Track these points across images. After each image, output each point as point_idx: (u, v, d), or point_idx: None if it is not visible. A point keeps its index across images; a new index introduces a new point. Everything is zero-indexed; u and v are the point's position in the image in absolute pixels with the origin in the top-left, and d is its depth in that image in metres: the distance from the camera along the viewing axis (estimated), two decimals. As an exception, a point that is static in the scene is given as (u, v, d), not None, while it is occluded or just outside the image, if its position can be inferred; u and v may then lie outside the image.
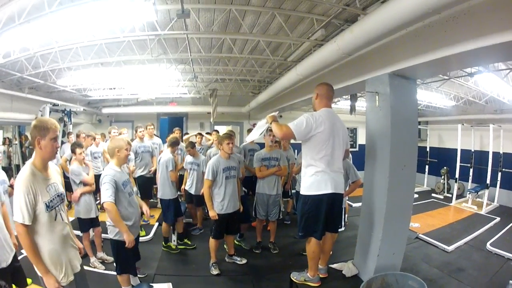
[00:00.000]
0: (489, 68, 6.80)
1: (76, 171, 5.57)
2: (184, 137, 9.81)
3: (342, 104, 12.59)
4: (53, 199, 2.95)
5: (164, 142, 8.93)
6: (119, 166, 4.47)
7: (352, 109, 7.15)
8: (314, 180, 4.06)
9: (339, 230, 5.12)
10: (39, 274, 2.88)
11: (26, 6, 4.35)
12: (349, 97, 7.60)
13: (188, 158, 7.52)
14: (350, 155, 6.54)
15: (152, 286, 4.94)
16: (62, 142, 8.69)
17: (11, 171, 9.84)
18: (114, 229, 4.34)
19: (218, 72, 9.49)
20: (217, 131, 9.62)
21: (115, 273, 4.90)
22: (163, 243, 6.76)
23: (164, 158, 6.57)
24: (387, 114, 4.55)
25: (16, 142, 10.39)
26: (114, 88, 11.12)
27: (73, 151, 5.78)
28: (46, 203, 2.85)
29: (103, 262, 5.83)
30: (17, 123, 10.00)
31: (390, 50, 4.45)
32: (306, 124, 3.96)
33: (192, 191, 7.40)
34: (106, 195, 4.11)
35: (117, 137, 6.74)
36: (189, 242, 6.99)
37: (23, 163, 9.56)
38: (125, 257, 4.52)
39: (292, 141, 9.10)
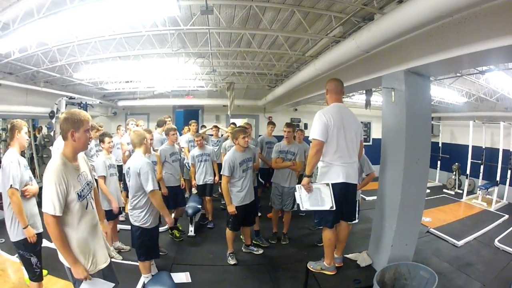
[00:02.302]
0: (499, 67, 6.88)
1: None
2: (201, 130, 9.89)
3: (356, 98, 12.68)
4: (84, 188, 2.99)
5: (180, 134, 8.97)
6: (145, 154, 4.69)
7: (367, 104, 7.24)
8: (326, 171, 4.28)
9: (354, 222, 5.23)
10: (66, 264, 2.90)
11: (46, 1, 4.40)
12: (365, 92, 7.69)
13: (195, 152, 7.64)
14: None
15: (170, 275, 5.07)
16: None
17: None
18: (139, 216, 4.55)
19: (235, 65, 9.55)
20: (234, 124, 9.69)
21: (132, 262, 5.05)
22: (169, 230, 6.97)
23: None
24: (403, 109, 4.63)
25: (30, 135, 10.44)
26: (131, 81, 11.19)
27: (101, 141, 5.91)
28: (78, 193, 2.88)
29: (119, 251, 5.98)
30: (32, 116, 10.06)
31: (405, 48, 4.52)
32: (323, 124, 4.13)
33: (208, 180, 7.57)
34: (153, 183, 4.46)
35: (138, 128, 6.85)
36: (180, 227, 7.18)
37: (37, 156, 9.71)
38: (150, 242, 4.70)
39: (306, 134, 9.19)
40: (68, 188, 2.79)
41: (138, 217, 4.58)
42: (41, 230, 4.01)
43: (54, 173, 2.75)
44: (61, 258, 2.90)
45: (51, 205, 2.68)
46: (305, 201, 4.40)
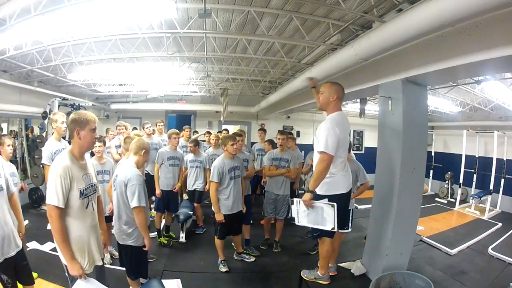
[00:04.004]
0: (495, 76, 6.91)
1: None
2: (193, 136, 9.84)
3: (349, 107, 12.62)
4: (87, 187, 3.07)
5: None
6: (138, 165, 4.29)
7: (362, 113, 7.22)
8: (332, 181, 4.07)
9: (347, 231, 5.21)
10: (63, 262, 2.93)
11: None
12: (359, 101, 7.67)
13: (189, 156, 7.62)
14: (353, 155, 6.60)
15: (161, 282, 4.99)
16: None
17: (16, 164, 9.84)
18: (130, 233, 4.18)
19: (230, 71, 9.49)
20: (226, 130, 9.66)
21: (122, 268, 4.96)
22: (157, 236, 6.89)
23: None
24: (399, 118, 4.63)
25: (23, 135, 10.37)
26: (124, 84, 11.11)
27: None
28: (80, 190, 2.96)
29: (111, 256, 5.90)
30: (25, 116, 9.95)
31: (404, 57, 4.53)
32: (336, 138, 3.89)
33: (198, 187, 7.51)
34: (141, 199, 4.01)
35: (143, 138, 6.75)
36: (173, 235, 7.19)
37: (29, 156, 9.63)
38: (143, 261, 4.48)
39: (298, 141, 9.14)
40: (72, 183, 2.90)
41: (128, 235, 4.18)
42: (19, 247, 3.57)
43: (61, 168, 2.87)
44: (60, 255, 2.94)
45: (55, 197, 2.79)
46: (302, 217, 4.16)
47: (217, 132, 10.60)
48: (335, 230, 3.99)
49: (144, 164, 4.64)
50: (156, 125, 9.13)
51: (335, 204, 3.91)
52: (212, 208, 5.69)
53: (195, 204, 7.69)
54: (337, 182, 4.10)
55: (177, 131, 7.15)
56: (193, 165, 7.53)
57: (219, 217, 5.57)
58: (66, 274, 2.99)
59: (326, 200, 3.99)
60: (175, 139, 6.91)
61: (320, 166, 3.89)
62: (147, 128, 8.30)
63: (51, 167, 3.00)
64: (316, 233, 4.33)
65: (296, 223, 4.27)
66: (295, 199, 4.23)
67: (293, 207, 4.25)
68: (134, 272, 4.45)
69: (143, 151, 4.27)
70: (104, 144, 5.87)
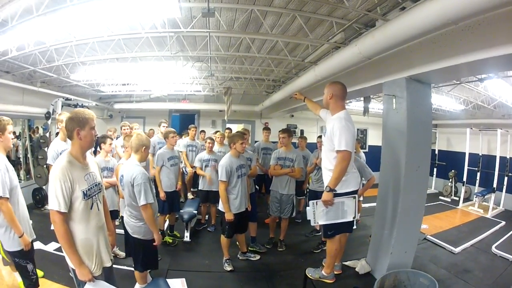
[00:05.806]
0: (498, 74, 6.90)
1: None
2: (200, 135, 9.81)
3: (353, 105, 12.50)
4: (91, 188, 2.97)
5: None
6: (140, 162, 4.39)
7: (366, 111, 7.21)
8: (346, 178, 4.03)
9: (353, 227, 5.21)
10: (70, 265, 2.88)
11: (45, -2, 4.33)
12: (363, 99, 7.66)
13: (202, 155, 7.49)
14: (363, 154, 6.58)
15: (166, 281, 4.98)
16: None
17: (19, 165, 9.86)
18: (138, 227, 4.30)
19: (233, 70, 9.49)
20: (229, 129, 9.63)
21: (127, 267, 4.95)
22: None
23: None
24: (404, 116, 4.63)
25: (26, 136, 10.34)
26: (127, 84, 11.08)
27: (103, 142, 5.66)
28: (83, 191, 2.86)
29: (115, 256, 5.85)
30: (28, 116, 9.92)
31: (407, 55, 4.52)
32: (353, 135, 3.95)
33: (214, 187, 7.20)
34: (146, 196, 4.10)
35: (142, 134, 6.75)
36: (178, 235, 7.10)
37: (33, 157, 9.62)
38: (151, 254, 4.50)
39: (309, 140, 9.14)
40: (73, 185, 2.80)
41: (137, 229, 4.31)
42: (33, 236, 3.88)
43: (59, 171, 2.77)
44: (67, 259, 2.88)
45: (55, 201, 2.70)
46: (320, 216, 4.12)
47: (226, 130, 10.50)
48: (356, 218, 4.11)
49: (147, 158, 4.71)
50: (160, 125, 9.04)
51: (356, 195, 4.03)
52: (219, 207, 5.69)
53: (212, 206, 7.64)
54: (349, 180, 4.10)
55: (174, 130, 7.04)
56: (207, 164, 7.39)
57: (229, 217, 5.53)
58: (71, 274, 2.96)
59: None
60: (173, 138, 6.77)
61: (342, 164, 3.87)
62: (163, 126, 8.10)
63: (50, 171, 2.93)
64: (331, 232, 4.31)
65: (312, 224, 4.25)
66: (311, 202, 4.18)
67: (309, 209, 4.19)
68: (143, 264, 4.50)
69: (143, 147, 4.35)
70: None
